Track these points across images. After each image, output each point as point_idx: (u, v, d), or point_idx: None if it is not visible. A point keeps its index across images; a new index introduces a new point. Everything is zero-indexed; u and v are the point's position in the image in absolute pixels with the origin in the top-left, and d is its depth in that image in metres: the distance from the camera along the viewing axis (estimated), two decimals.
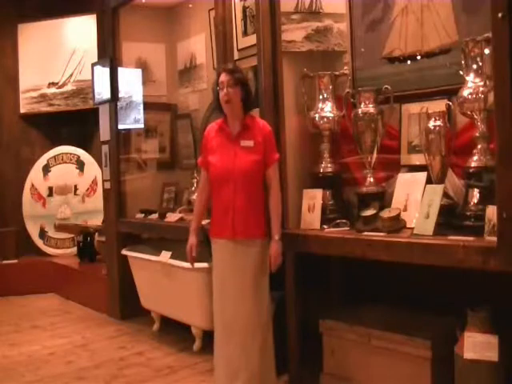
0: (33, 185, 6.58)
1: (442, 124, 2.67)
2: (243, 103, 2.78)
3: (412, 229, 2.59)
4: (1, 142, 6.68)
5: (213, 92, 2.95)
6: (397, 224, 2.67)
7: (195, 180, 4.47)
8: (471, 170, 2.52)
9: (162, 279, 4.08)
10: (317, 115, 3.21)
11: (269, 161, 2.80)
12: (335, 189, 3.21)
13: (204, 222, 3.02)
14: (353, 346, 2.88)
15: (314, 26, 3.27)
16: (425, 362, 2.54)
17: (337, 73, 3.27)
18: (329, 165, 3.21)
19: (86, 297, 5.44)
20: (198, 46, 4.89)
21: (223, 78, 2.75)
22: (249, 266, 2.73)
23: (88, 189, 6.57)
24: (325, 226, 3.03)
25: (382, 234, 2.65)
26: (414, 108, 2.96)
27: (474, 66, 2.52)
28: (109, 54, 4.90)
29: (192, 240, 2.93)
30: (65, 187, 6.60)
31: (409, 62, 3.04)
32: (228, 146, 2.78)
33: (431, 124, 2.69)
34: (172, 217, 4.32)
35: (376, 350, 2.76)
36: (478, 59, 2.51)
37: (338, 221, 3.03)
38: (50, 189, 6.60)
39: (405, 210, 2.74)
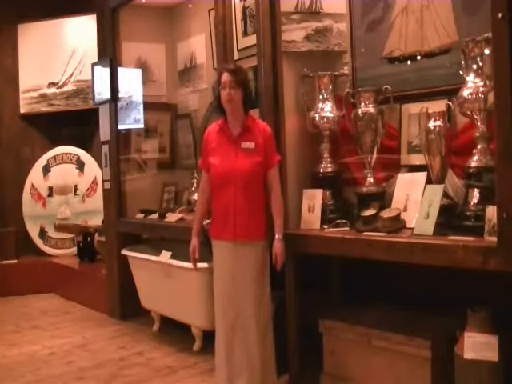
0: (33, 185, 6.58)
1: (441, 124, 2.67)
2: (243, 104, 2.79)
3: (412, 229, 2.59)
4: (1, 142, 6.68)
5: (213, 91, 2.96)
6: (397, 224, 2.67)
7: (195, 180, 4.48)
8: (471, 170, 2.52)
9: (162, 279, 4.07)
10: (317, 115, 3.21)
11: (270, 163, 2.80)
12: (335, 189, 3.21)
13: (204, 223, 3.02)
14: (353, 346, 2.88)
15: (313, 26, 3.27)
16: (425, 362, 2.54)
17: (337, 73, 3.27)
18: (329, 165, 3.21)
19: (86, 297, 5.44)
20: (198, 46, 4.89)
21: (226, 78, 2.75)
22: (250, 267, 2.74)
23: (88, 189, 6.57)
24: (325, 226, 3.03)
25: (382, 234, 2.65)
26: (414, 108, 2.96)
27: (474, 66, 2.52)
28: (109, 54, 4.90)
29: (194, 242, 2.94)
30: (65, 187, 6.60)
31: (409, 62, 3.04)
32: (229, 148, 2.78)
33: (431, 124, 2.69)
34: (172, 217, 4.32)
35: (376, 350, 2.76)
36: (478, 59, 2.51)
37: (338, 221, 3.03)
38: (50, 189, 6.60)
39: (405, 210, 2.74)
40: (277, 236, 2.78)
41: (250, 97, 2.84)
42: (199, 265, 3.10)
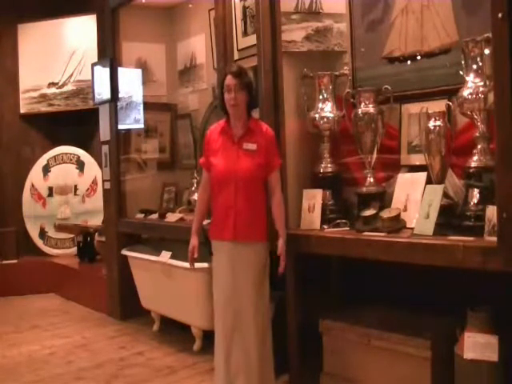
0: (33, 185, 6.58)
1: (442, 124, 2.67)
2: (248, 106, 2.78)
3: (412, 229, 2.59)
4: (1, 142, 6.68)
5: (213, 92, 2.95)
6: (397, 224, 2.67)
7: (195, 180, 4.48)
8: (471, 170, 2.52)
9: (162, 279, 4.08)
10: (317, 115, 3.21)
11: (271, 166, 2.79)
12: (335, 189, 3.21)
13: (204, 223, 3.01)
14: (353, 346, 2.88)
15: (313, 26, 3.27)
16: (425, 362, 2.54)
17: (337, 73, 3.27)
18: (329, 165, 3.21)
19: (86, 297, 5.44)
20: (198, 46, 4.90)
21: (230, 81, 2.72)
22: (250, 268, 2.73)
23: (88, 189, 6.58)
24: (325, 226, 3.03)
25: (382, 234, 2.65)
26: (414, 108, 2.96)
27: (474, 66, 2.52)
28: (109, 54, 4.90)
29: (194, 241, 2.93)
30: (65, 187, 6.60)
31: (409, 62, 3.04)
32: (231, 148, 2.77)
33: (431, 124, 2.69)
34: (172, 217, 4.32)
35: (376, 350, 2.76)
36: (478, 59, 2.51)
37: (338, 221, 3.03)
38: (50, 189, 6.61)
39: (405, 210, 2.74)
40: (281, 240, 2.78)
41: (254, 99, 2.83)
42: (199, 265, 3.10)
